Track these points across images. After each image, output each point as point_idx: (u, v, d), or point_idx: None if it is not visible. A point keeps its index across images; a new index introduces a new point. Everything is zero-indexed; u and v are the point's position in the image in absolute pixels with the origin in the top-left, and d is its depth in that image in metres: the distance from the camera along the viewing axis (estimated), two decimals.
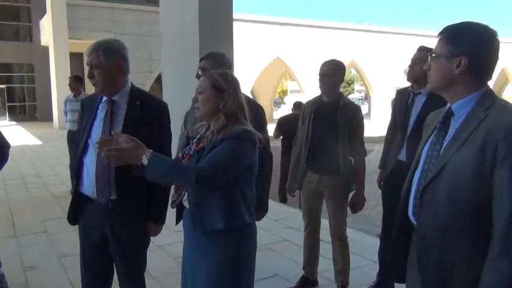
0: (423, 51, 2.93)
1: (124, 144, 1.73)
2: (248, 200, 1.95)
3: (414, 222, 1.56)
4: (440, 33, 1.53)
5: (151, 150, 1.74)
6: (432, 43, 1.69)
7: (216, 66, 2.59)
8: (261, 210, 2.73)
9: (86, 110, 2.34)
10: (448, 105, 1.55)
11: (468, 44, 1.45)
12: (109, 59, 2.15)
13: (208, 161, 1.77)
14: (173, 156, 2.17)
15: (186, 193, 1.94)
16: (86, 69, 2.24)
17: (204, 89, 1.91)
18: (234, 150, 1.80)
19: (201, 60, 2.77)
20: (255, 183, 1.99)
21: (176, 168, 1.78)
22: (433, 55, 1.52)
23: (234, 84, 1.93)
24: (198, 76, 2.65)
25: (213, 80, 1.91)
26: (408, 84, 3.12)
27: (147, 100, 2.28)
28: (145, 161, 1.70)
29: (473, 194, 1.36)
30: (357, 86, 64.63)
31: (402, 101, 3.10)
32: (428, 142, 1.57)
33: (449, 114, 1.51)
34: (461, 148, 1.40)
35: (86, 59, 2.21)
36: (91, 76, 2.16)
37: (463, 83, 1.47)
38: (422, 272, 1.50)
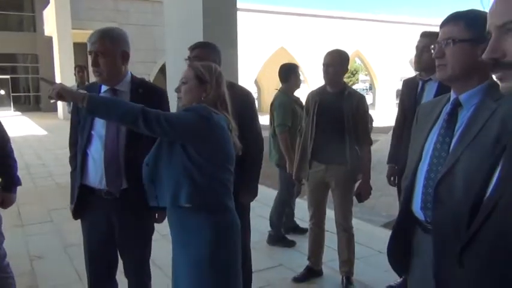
0: (428, 37, 2.81)
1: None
2: (217, 180, 1.94)
3: (422, 217, 1.50)
4: (452, 19, 1.45)
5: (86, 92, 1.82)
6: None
7: (213, 56, 2.52)
8: (248, 193, 2.67)
9: None
10: (453, 95, 1.49)
11: None
12: (116, 47, 2.13)
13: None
14: None
15: (143, 173, 1.98)
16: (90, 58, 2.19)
17: (188, 79, 1.95)
18: (182, 113, 1.91)
19: (194, 48, 2.62)
20: (230, 166, 1.99)
21: (118, 100, 1.95)
22: (450, 41, 1.43)
23: (218, 76, 1.97)
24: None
25: (197, 71, 1.95)
26: (414, 73, 3.07)
27: (148, 88, 2.30)
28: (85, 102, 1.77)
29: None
30: (361, 76, 64.23)
31: (410, 91, 3.04)
32: (435, 134, 1.50)
33: (457, 106, 1.46)
34: (474, 141, 1.33)
35: (88, 47, 2.12)
36: (96, 64, 2.10)
37: (481, 70, 1.41)
38: (439, 268, 1.40)
